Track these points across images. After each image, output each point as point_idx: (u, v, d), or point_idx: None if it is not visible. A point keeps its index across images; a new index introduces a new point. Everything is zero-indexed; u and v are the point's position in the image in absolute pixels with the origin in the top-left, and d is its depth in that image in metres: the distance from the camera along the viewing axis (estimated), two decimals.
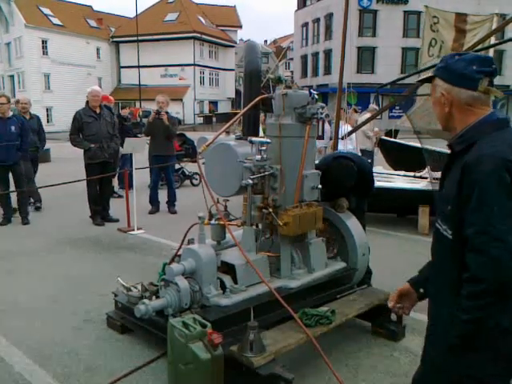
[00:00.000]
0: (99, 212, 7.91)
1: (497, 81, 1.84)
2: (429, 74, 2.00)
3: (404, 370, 3.50)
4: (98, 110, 7.77)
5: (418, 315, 4.23)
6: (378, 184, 5.36)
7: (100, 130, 7.68)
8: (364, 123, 9.03)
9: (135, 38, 36.79)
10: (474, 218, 1.63)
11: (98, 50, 46.80)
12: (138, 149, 7.94)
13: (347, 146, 11.13)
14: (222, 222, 3.71)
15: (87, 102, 7.81)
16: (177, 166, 11.10)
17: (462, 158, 1.73)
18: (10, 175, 7.84)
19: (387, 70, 36.36)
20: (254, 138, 3.61)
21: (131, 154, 7.94)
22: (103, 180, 7.89)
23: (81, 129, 7.66)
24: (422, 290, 2.08)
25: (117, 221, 7.85)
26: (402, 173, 8.60)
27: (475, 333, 1.64)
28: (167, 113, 8.51)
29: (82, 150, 7.73)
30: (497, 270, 1.56)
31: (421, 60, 10.41)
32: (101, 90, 8.20)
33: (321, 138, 11.22)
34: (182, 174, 11.42)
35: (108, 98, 9.79)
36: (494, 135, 1.72)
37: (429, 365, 1.90)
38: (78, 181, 7.65)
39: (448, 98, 1.81)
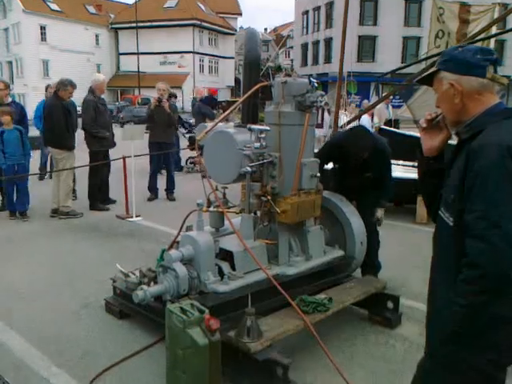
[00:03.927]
0: (99, 198, 7.99)
1: (498, 71, 1.84)
2: (426, 72, 1.95)
3: (400, 357, 3.53)
4: None
5: (414, 303, 4.28)
6: None
7: (109, 118, 7.96)
8: (364, 112, 9.03)
9: (134, 25, 36.58)
10: (475, 205, 1.63)
11: (97, 36, 46.49)
12: (136, 136, 7.92)
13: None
14: (220, 209, 3.73)
15: (93, 90, 7.74)
16: (188, 155, 11.33)
17: (469, 145, 1.72)
18: None
19: (388, 59, 36.19)
20: (253, 126, 3.61)
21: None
22: (105, 166, 7.99)
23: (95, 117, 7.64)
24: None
25: (114, 202, 8.08)
26: (401, 162, 8.59)
27: (473, 319, 1.63)
28: (170, 96, 8.56)
29: (87, 138, 7.74)
30: (493, 258, 1.55)
31: (427, 51, 10.41)
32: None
33: (320, 126, 11.25)
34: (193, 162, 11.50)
35: (215, 92, 11.98)
36: (501, 123, 1.72)
37: (430, 353, 1.89)
38: (82, 166, 7.64)
39: (458, 87, 1.79)
